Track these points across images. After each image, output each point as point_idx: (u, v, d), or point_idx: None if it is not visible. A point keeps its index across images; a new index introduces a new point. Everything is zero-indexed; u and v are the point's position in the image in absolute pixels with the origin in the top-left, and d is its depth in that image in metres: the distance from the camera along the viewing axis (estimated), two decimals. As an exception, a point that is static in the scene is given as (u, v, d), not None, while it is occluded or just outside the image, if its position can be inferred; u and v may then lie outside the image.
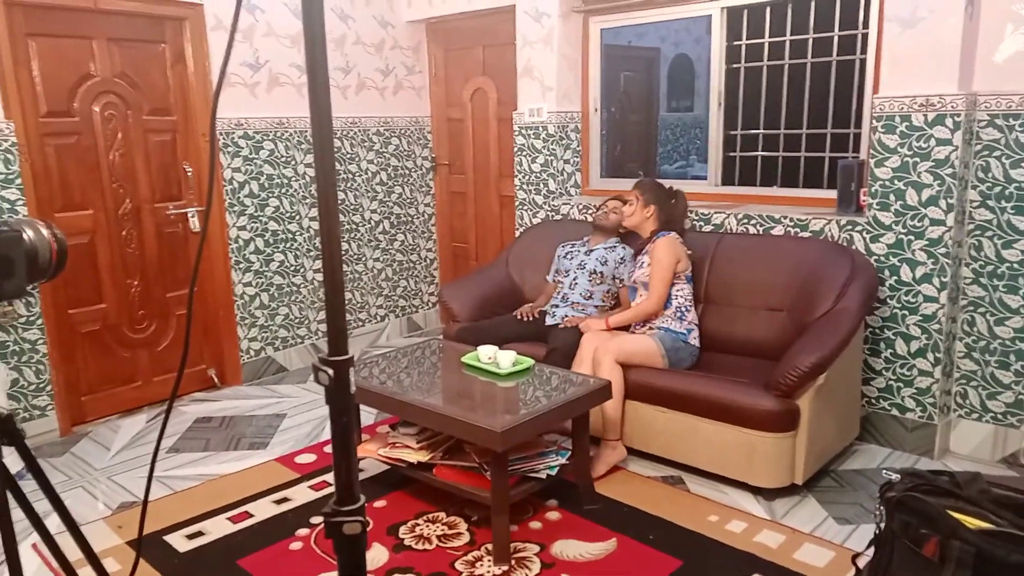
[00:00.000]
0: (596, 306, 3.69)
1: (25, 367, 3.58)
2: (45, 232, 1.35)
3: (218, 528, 2.84)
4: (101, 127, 3.84)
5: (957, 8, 2.98)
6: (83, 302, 3.86)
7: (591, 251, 3.78)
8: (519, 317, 3.79)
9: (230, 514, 2.94)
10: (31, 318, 3.58)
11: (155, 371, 4.17)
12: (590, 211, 3.90)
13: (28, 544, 2.68)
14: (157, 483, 3.22)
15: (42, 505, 1.55)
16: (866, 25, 3.45)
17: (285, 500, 3.04)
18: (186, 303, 1.18)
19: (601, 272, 3.69)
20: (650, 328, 3.33)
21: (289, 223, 4.59)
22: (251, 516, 2.93)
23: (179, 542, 2.75)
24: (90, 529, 2.82)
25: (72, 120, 3.75)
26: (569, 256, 3.88)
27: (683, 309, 3.34)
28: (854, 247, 3.36)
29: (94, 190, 3.85)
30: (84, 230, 3.83)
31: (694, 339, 3.34)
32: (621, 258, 3.71)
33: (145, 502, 1.43)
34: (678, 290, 3.35)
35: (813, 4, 3.65)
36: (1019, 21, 3.00)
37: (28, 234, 1.35)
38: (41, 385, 3.65)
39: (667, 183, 3.65)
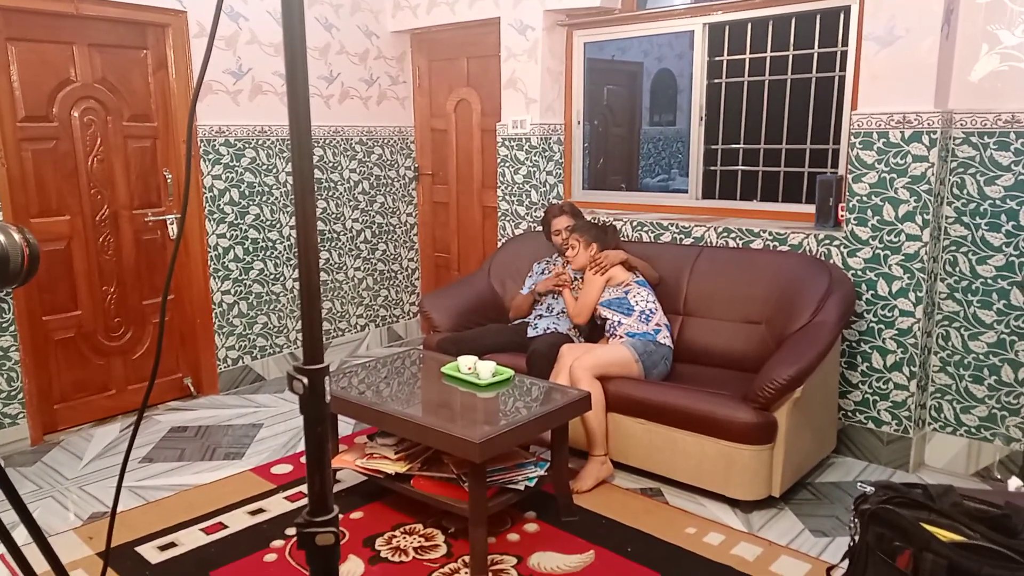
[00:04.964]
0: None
1: (-3, 374, 3.53)
2: (17, 236, 1.33)
3: (191, 539, 2.80)
4: (80, 132, 3.81)
5: (933, 28, 3.03)
6: (58, 309, 3.81)
7: (568, 261, 3.79)
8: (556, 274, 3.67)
9: (204, 525, 2.90)
10: (3, 324, 3.52)
11: (130, 379, 4.12)
12: (543, 231, 3.95)
13: (-5, 555, 2.63)
14: (129, 493, 3.17)
15: (9, 516, 1.52)
16: (845, 43, 3.50)
17: (260, 511, 3.01)
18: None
19: (582, 276, 3.70)
20: (620, 337, 3.35)
21: (269, 231, 4.56)
22: (225, 527, 2.89)
23: (151, 553, 2.71)
24: (60, 540, 2.77)
25: (51, 125, 3.70)
26: (547, 272, 3.88)
27: (647, 312, 3.36)
28: (832, 261, 3.40)
29: (71, 196, 3.81)
30: (60, 236, 3.78)
31: (664, 339, 3.35)
32: None
33: (113, 512, 1.41)
34: (633, 295, 3.38)
35: (794, 21, 3.70)
36: (994, 41, 3.05)
37: (-1, 238, 1.32)
38: (12, 393, 3.59)
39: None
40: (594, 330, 3.71)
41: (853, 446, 3.45)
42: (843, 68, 3.53)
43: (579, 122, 4.56)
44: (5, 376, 3.55)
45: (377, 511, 2.99)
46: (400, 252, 5.44)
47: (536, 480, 2.79)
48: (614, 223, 3.85)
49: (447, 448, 2.61)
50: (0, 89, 3.50)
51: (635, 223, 4.05)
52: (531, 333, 3.71)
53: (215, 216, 4.29)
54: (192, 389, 4.36)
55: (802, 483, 3.19)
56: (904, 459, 3.32)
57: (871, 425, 3.39)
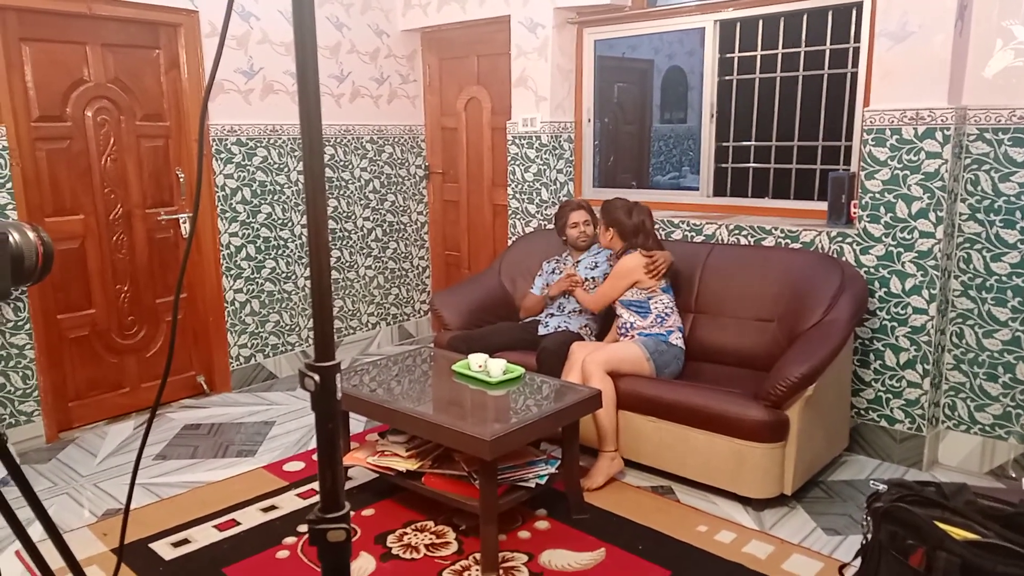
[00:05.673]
0: (592, 313, 3.69)
1: (12, 372, 3.56)
2: (31, 235, 1.34)
3: (204, 536, 2.82)
4: (93, 132, 3.83)
5: (947, 23, 3.00)
6: (72, 307, 3.84)
7: (578, 262, 3.78)
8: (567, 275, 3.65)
9: (216, 522, 2.92)
10: (19, 323, 3.56)
11: (143, 377, 4.14)
12: (555, 226, 3.89)
13: (11, 552, 2.66)
14: (143, 490, 3.20)
15: (25, 512, 1.53)
16: (857, 39, 3.48)
17: (272, 508, 3.02)
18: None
19: (594, 277, 3.69)
20: (632, 337, 3.34)
21: (281, 230, 4.58)
22: (238, 524, 2.90)
23: (164, 550, 2.73)
24: (75, 536, 2.79)
25: (64, 125, 3.73)
26: (556, 271, 3.87)
27: (663, 315, 3.35)
28: (844, 259, 3.38)
29: (85, 195, 3.84)
30: (75, 235, 3.81)
31: (676, 340, 3.34)
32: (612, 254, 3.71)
33: (127, 509, 1.42)
34: (655, 301, 3.36)
35: (805, 18, 3.67)
36: (1008, 37, 3.02)
37: (14, 236, 1.33)
38: (28, 391, 3.62)
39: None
40: (604, 329, 3.71)
41: (866, 444, 3.43)
42: (855, 64, 3.50)
43: (589, 120, 4.55)
44: (20, 374, 3.59)
45: (388, 508, 3.00)
46: (411, 250, 5.45)
47: (547, 478, 2.79)
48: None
49: (458, 446, 2.61)
50: (14, 89, 3.53)
51: (646, 221, 4.03)
52: (542, 331, 3.71)
53: (227, 215, 4.31)
54: (205, 387, 4.38)
55: (814, 481, 3.18)
56: (917, 457, 3.30)
57: (884, 423, 3.37)
